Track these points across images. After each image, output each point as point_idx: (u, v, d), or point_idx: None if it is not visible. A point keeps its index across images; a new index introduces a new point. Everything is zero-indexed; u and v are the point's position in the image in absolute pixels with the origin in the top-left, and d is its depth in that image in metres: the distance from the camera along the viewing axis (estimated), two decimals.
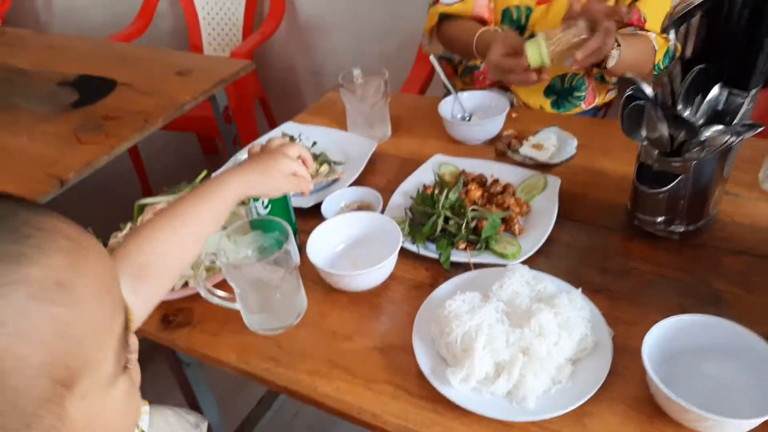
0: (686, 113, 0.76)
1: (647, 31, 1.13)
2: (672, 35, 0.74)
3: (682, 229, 0.84)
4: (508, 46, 1.05)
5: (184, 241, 0.68)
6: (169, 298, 0.82)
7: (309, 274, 0.83)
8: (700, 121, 0.74)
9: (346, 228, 0.88)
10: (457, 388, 0.66)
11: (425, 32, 1.31)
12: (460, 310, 0.70)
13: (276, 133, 1.15)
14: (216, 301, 0.78)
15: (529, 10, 1.19)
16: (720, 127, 0.71)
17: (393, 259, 0.81)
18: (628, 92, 0.75)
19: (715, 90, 0.72)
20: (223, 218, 0.72)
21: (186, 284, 0.84)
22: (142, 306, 0.64)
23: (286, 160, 0.76)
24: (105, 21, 2.80)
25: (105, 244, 0.91)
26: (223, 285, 0.80)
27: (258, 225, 0.79)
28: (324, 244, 0.86)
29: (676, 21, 0.74)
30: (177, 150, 2.83)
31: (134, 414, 0.46)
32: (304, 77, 2.55)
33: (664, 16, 0.73)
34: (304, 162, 0.80)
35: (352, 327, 0.78)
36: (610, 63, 1.05)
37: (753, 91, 0.73)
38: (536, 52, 0.99)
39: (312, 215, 0.94)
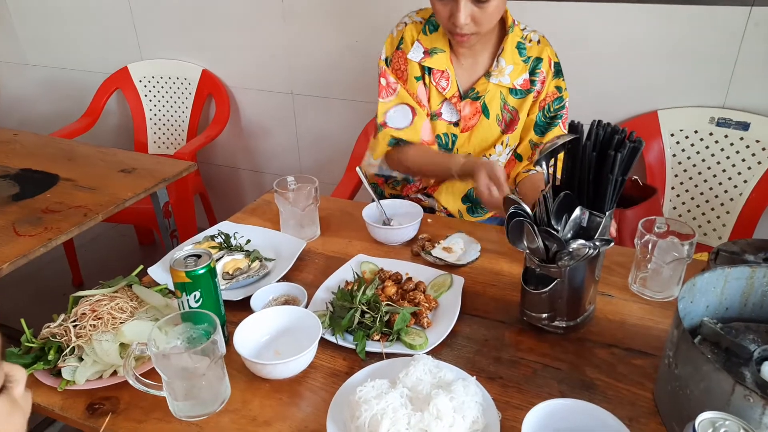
0: (559, 228, 0.92)
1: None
2: (543, 166, 0.92)
3: (564, 324, 0.98)
4: (491, 175, 1.19)
5: None
6: (97, 386, 0.87)
7: (234, 363, 0.90)
8: (568, 236, 0.91)
9: (272, 320, 0.96)
10: None
11: (373, 155, 1.46)
12: (369, 396, 0.79)
13: (213, 231, 1.25)
14: (143, 388, 0.83)
15: (455, 136, 1.41)
16: (582, 241, 0.87)
17: (313, 349, 0.89)
18: (512, 210, 0.92)
19: (576, 211, 0.89)
20: None
21: (115, 373, 0.88)
22: None
23: None
24: (51, 115, 2.87)
25: (36, 334, 0.95)
26: (150, 374, 0.85)
27: (189, 317, 0.87)
28: (250, 335, 0.93)
29: (546, 155, 0.92)
30: (113, 240, 2.82)
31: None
32: (245, 175, 2.67)
33: (537, 151, 0.92)
34: None
35: (271, 413, 0.84)
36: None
37: (607, 213, 0.91)
38: None
39: (242, 308, 1.02)
